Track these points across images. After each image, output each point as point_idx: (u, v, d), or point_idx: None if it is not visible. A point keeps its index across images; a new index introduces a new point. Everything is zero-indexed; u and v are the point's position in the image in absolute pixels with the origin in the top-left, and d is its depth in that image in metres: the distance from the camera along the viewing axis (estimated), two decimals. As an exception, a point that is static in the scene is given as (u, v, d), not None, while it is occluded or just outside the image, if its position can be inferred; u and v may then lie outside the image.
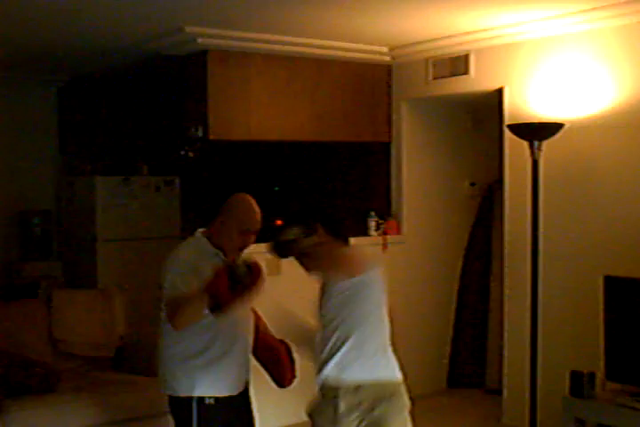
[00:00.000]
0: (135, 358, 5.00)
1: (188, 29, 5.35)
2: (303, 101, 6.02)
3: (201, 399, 3.61)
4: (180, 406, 3.65)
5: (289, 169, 7.35)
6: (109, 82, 7.46)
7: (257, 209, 3.67)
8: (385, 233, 6.19)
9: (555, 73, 5.23)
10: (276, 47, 5.77)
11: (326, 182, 7.05)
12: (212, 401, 3.63)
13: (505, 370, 5.71)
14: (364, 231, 6.18)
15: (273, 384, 3.84)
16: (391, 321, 3.69)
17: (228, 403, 3.65)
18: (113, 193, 7.09)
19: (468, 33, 5.57)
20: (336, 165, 6.96)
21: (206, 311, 3.36)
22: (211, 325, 3.54)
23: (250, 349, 3.78)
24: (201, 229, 3.72)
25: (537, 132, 4.93)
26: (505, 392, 5.70)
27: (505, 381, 5.71)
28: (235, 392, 3.71)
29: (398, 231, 6.28)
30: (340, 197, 6.86)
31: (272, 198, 7.52)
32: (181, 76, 5.96)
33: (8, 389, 4.48)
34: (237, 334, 3.70)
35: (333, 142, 6.43)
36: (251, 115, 5.79)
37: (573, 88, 5.14)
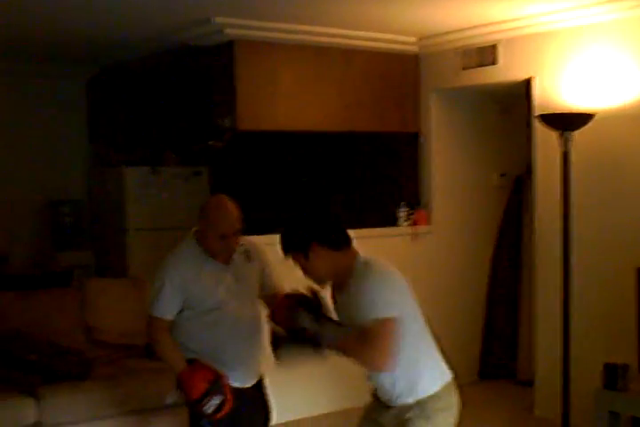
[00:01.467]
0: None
1: (216, 20, 5.37)
2: (331, 92, 6.03)
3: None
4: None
5: (317, 160, 7.36)
6: (138, 73, 7.48)
7: (232, 211, 3.61)
8: (414, 223, 6.19)
9: (584, 63, 5.20)
10: (304, 37, 5.78)
11: (355, 173, 7.05)
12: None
13: (537, 362, 5.70)
14: (393, 222, 6.18)
15: None
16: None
17: (239, 395, 3.62)
18: (142, 183, 7.12)
19: (496, 23, 5.55)
20: (365, 155, 6.96)
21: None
22: (214, 323, 3.61)
23: (261, 341, 3.75)
24: (195, 228, 3.70)
25: (567, 122, 4.91)
26: (537, 384, 5.69)
27: (537, 372, 5.70)
28: (246, 384, 3.72)
29: (428, 222, 6.28)
30: (369, 188, 6.86)
31: (300, 189, 7.54)
32: (209, 67, 5.98)
33: (43, 375, 4.55)
34: (244, 328, 3.70)
35: (362, 133, 6.43)
36: (279, 105, 5.80)
37: (603, 78, 5.11)
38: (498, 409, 5.86)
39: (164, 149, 7.62)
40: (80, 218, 7.67)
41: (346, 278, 3.04)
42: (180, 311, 3.61)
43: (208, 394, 3.46)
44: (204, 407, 3.46)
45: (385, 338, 2.89)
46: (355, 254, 3.11)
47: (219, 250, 3.61)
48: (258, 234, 5.49)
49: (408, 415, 3.09)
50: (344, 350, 2.96)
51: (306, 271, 3.10)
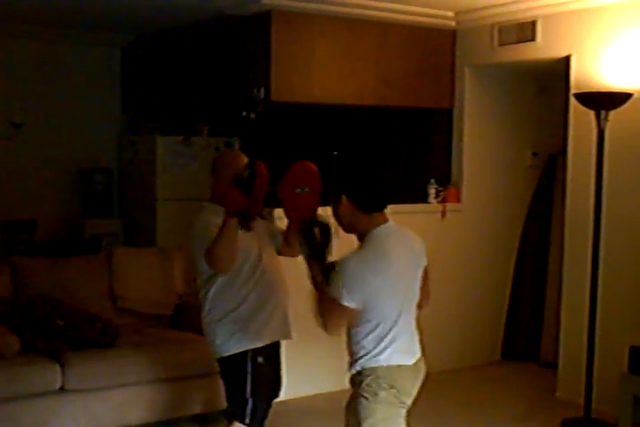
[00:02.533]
0: (193, 317, 5.05)
1: (253, -11, 5.34)
2: (366, 65, 5.97)
3: (254, 358, 3.76)
4: (233, 365, 3.79)
5: (350, 134, 7.32)
6: (172, 42, 7.46)
7: (243, 154, 3.87)
8: (444, 201, 6.14)
9: (626, 41, 5.10)
10: (340, 9, 5.72)
11: (387, 148, 7.00)
12: (262, 360, 3.79)
13: (561, 343, 5.66)
14: (423, 198, 6.14)
15: None
16: None
17: (269, 357, 3.85)
18: (173, 153, 7.13)
19: (536, -2, 5.47)
20: (397, 130, 6.91)
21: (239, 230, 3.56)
22: (243, 282, 3.76)
23: (286, 302, 3.94)
24: (203, 203, 3.89)
25: (604, 101, 4.84)
26: (560, 366, 5.65)
27: (561, 354, 5.66)
28: (276, 338, 3.90)
29: (458, 200, 6.23)
30: (400, 164, 6.82)
31: (331, 163, 7.51)
32: (244, 37, 5.95)
33: (69, 342, 4.58)
34: (269, 287, 3.85)
35: (395, 107, 6.38)
36: (313, 77, 5.76)
37: (644, 57, 5.02)
38: (519, 390, 5.85)
39: (197, 119, 7.62)
40: (110, 186, 7.71)
41: (361, 239, 3.15)
42: (218, 276, 3.74)
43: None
44: None
45: (333, 318, 3.06)
46: (379, 222, 3.14)
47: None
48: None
49: (358, 388, 3.16)
50: (316, 295, 3.18)
51: (333, 214, 3.23)
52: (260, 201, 3.59)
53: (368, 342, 3.11)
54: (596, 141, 4.91)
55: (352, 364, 3.18)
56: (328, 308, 3.07)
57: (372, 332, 3.10)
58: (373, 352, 3.11)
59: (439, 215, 6.12)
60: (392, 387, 3.13)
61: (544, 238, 6.49)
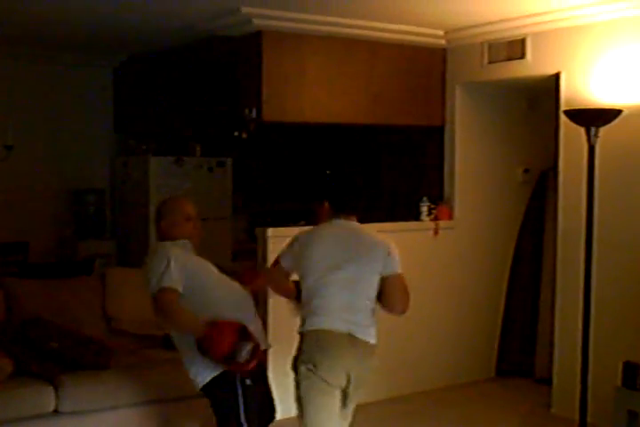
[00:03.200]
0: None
1: (244, 10, 5.35)
2: (357, 84, 6.00)
3: (242, 380, 3.72)
4: (221, 390, 3.74)
5: (342, 152, 7.35)
6: (164, 62, 7.50)
7: (184, 198, 4.25)
8: (436, 218, 6.15)
9: (615, 58, 5.14)
10: (331, 29, 5.75)
11: (379, 166, 7.02)
12: (250, 382, 3.75)
13: (555, 359, 5.66)
14: (415, 216, 6.15)
15: None
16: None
17: (257, 379, 3.82)
18: (166, 173, 7.16)
19: (525, 16, 5.49)
20: (389, 148, 6.93)
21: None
22: (217, 298, 3.82)
23: (258, 320, 4.00)
24: (159, 242, 4.00)
25: (594, 118, 4.85)
26: (555, 382, 5.65)
27: (555, 370, 5.66)
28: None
29: (450, 217, 6.24)
30: (392, 182, 6.84)
31: (324, 182, 7.52)
32: (236, 57, 5.97)
33: (63, 364, 4.56)
34: (237, 304, 3.89)
35: (387, 126, 6.40)
36: (304, 97, 5.78)
37: (633, 74, 5.05)
38: (514, 406, 5.83)
39: (189, 139, 7.64)
40: (103, 207, 7.72)
41: None
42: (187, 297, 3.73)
43: (238, 343, 3.58)
44: (238, 356, 3.55)
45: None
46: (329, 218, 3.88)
47: (189, 231, 3.95)
48: (280, 226, 5.52)
49: None
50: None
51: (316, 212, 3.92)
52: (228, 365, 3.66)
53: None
54: (587, 157, 4.93)
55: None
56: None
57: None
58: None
59: (432, 233, 6.12)
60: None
61: (537, 255, 6.49)
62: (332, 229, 3.84)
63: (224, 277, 3.97)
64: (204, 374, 3.74)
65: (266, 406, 3.95)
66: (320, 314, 3.65)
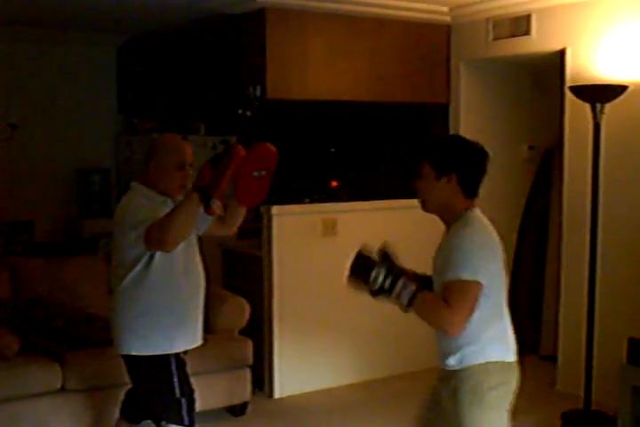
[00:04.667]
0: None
1: (247, -13, 5.33)
2: (361, 61, 5.97)
3: (177, 355, 3.64)
4: (154, 364, 3.61)
5: (346, 130, 7.32)
6: (167, 41, 7.47)
7: (186, 143, 3.68)
8: (441, 196, 6.12)
9: (620, 34, 5.10)
10: (335, 6, 5.71)
11: (383, 144, 7.00)
12: (184, 356, 3.69)
13: (560, 336, 5.67)
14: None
15: None
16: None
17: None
18: (170, 152, 7.13)
19: (530, -8, 5.47)
20: (393, 126, 6.91)
21: (200, 210, 3.31)
22: (169, 277, 3.55)
23: (203, 301, 3.78)
24: (134, 182, 3.64)
25: (600, 94, 4.83)
26: (560, 359, 5.67)
27: (560, 347, 5.67)
28: (196, 343, 3.76)
29: (454, 194, 6.22)
30: (397, 160, 6.82)
31: (328, 160, 7.52)
32: (239, 35, 5.94)
33: (69, 341, 4.59)
34: (196, 285, 3.71)
35: (391, 103, 6.38)
36: (308, 74, 5.76)
37: (638, 50, 5.02)
38: (519, 383, 5.83)
39: (193, 118, 7.62)
40: (108, 186, 7.71)
41: (450, 222, 3.01)
42: (144, 266, 3.52)
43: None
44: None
45: (464, 301, 2.78)
46: (470, 206, 3.05)
47: (177, 183, 3.58)
48: (285, 203, 5.52)
49: (455, 384, 2.95)
50: (420, 312, 2.84)
51: (420, 190, 3.06)
52: (222, 179, 3.28)
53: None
54: (592, 134, 4.91)
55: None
56: (453, 300, 2.76)
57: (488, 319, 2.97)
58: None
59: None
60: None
61: (542, 232, 6.50)
62: (489, 224, 3.09)
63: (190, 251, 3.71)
64: (148, 345, 3.58)
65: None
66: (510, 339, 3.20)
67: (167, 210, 3.46)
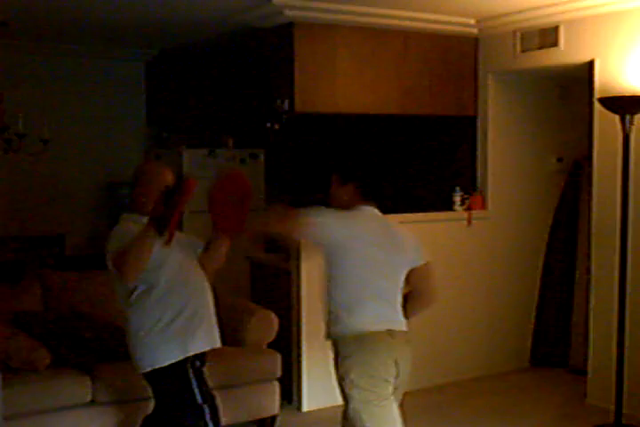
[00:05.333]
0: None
1: (275, 1, 5.35)
2: (389, 74, 5.98)
3: (192, 361, 3.71)
4: (172, 374, 3.69)
5: (374, 143, 7.33)
6: (197, 55, 7.54)
7: (167, 169, 3.84)
8: (469, 208, 6.13)
9: (649, 45, 5.09)
10: (363, 19, 5.73)
11: (412, 156, 7.00)
12: (199, 364, 3.76)
13: (590, 349, 5.62)
14: (448, 206, 6.13)
15: None
16: None
17: (203, 362, 3.82)
18: (199, 165, 7.18)
19: (558, 4, 5.44)
20: (422, 139, 6.91)
21: (155, 241, 3.45)
22: (172, 288, 3.67)
23: (212, 305, 3.89)
24: (124, 214, 3.85)
25: (629, 105, 4.82)
26: (590, 372, 5.61)
27: (590, 360, 5.62)
28: (216, 344, 3.86)
29: (483, 207, 6.22)
30: (425, 172, 6.82)
31: (355, 164, 7.50)
32: (268, 49, 5.98)
33: (99, 354, 4.62)
34: (200, 288, 3.82)
35: (419, 116, 6.38)
36: (336, 87, 5.78)
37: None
38: (548, 396, 5.81)
39: (222, 131, 7.67)
40: (137, 199, 7.76)
41: None
42: (144, 291, 3.66)
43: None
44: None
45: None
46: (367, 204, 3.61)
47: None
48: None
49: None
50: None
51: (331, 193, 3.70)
52: (175, 211, 3.43)
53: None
54: (622, 146, 4.89)
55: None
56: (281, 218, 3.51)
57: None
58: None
59: (465, 223, 6.11)
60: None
61: (571, 244, 6.45)
62: (368, 216, 3.63)
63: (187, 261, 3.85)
64: (160, 357, 3.66)
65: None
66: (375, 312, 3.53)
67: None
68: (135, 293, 3.68)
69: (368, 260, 3.49)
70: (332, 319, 3.51)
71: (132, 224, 3.69)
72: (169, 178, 3.76)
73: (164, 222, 3.42)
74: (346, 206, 3.60)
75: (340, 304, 3.48)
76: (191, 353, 3.72)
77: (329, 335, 3.56)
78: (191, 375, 3.70)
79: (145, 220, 3.60)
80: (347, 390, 3.47)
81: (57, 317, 4.83)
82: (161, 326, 3.67)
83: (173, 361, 3.67)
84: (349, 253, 3.47)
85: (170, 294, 3.69)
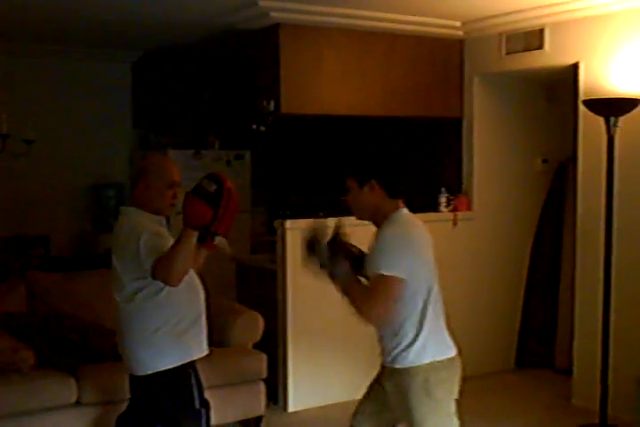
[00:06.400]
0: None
1: (261, 3, 5.36)
2: (375, 76, 6.00)
3: (194, 365, 3.67)
4: (174, 378, 3.63)
5: (360, 144, 7.35)
6: (182, 56, 7.53)
7: (174, 163, 3.76)
8: (455, 209, 6.15)
9: (633, 48, 5.11)
10: (349, 21, 5.75)
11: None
12: (198, 368, 3.72)
13: (575, 350, 5.65)
14: (434, 207, 6.15)
15: None
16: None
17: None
18: (184, 166, 7.11)
19: (543, 6, 5.46)
20: (407, 140, 6.93)
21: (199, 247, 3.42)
22: (184, 291, 3.58)
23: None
24: (124, 207, 3.72)
25: (613, 107, 4.85)
26: (575, 372, 5.64)
27: (575, 361, 5.65)
28: (207, 352, 3.80)
29: (469, 208, 6.24)
30: (410, 173, 6.82)
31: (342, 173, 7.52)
32: (254, 51, 5.99)
33: (84, 355, 4.61)
34: (199, 295, 3.76)
35: (405, 117, 6.40)
36: (322, 89, 5.79)
37: (652, 63, 5.03)
38: (535, 397, 5.83)
39: (207, 133, 7.67)
40: (122, 201, 7.75)
41: (380, 224, 3.20)
42: (154, 290, 3.57)
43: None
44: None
45: (382, 292, 3.01)
46: (399, 207, 3.24)
47: (168, 202, 3.63)
48: (298, 217, 5.53)
49: (407, 383, 3.17)
50: (347, 294, 3.06)
51: (351, 201, 3.27)
52: (230, 218, 3.36)
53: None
54: (606, 148, 4.92)
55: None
56: (373, 291, 3.02)
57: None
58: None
59: (451, 224, 6.13)
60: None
61: (556, 245, 6.48)
62: (416, 220, 3.29)
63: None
64: (163, 360, 3.59)
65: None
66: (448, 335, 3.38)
67: (164, 229, 3.59)
68: (144, 291, 3.57)
69: (436, 276, 3.24)
70: (416, 346, 3.17)
71: (143, 220, 3.58)
72: (176, 173, 3.68)
73: (217, 230, 3.36)
74: (381, 213, 3.20)
75: (428, 329, 3.22)
76: (195, 357, 3.69)
77: (403, 363, 3.18)
78: (193, 379, 3.66)
79: (154, 217, 3.60)
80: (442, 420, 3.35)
81: (41, 318, 4.81)
82: (169, 327, 3.60)
83: (178, 364, 3.62)
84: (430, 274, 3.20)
85: (179, 296, 3.61)
